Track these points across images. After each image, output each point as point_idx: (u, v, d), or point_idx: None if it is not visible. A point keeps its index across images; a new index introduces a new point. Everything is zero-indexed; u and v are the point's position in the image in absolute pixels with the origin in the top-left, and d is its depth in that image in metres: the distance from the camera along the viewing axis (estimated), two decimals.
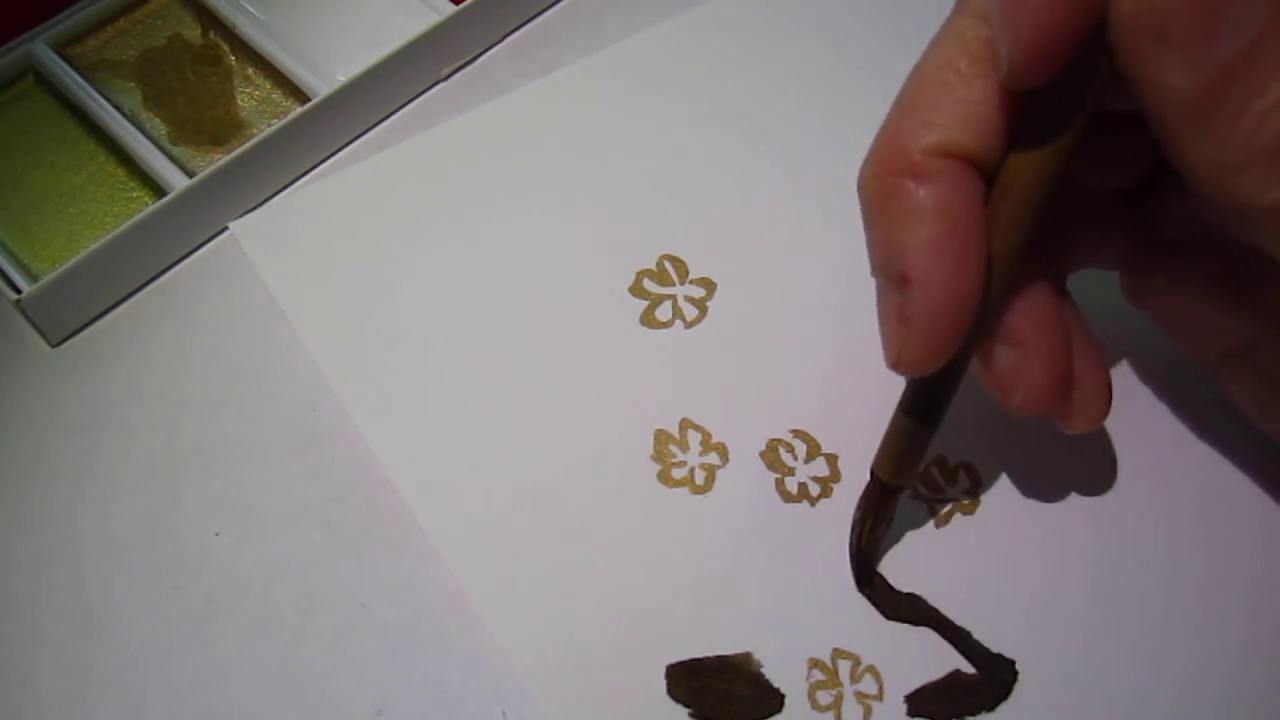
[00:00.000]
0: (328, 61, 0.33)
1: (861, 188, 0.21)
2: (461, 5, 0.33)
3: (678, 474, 0.26)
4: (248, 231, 0.30)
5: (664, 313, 0.28)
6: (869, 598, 0.24)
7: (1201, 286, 0.23)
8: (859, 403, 0.27)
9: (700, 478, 0.26)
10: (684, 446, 0.26)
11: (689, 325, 0.28)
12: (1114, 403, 0.26)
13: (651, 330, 0.28)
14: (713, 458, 0.26)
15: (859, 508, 0.24)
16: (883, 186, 0.20)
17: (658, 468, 0.26)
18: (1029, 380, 0.22)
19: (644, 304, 0.28)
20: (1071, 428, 0.23)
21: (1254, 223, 0.18)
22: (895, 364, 0.21)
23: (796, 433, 0.26)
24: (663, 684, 0.23)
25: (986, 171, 0.20)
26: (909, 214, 0.20)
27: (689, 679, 0.23)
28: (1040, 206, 0.20)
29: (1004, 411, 0.22)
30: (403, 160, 0.31)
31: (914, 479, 0.24)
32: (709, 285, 0.29)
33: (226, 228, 0.30)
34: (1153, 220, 0.24)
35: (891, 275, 0.20)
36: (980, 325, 0.21)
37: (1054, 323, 0.22)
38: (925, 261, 0.19)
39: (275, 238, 0.30)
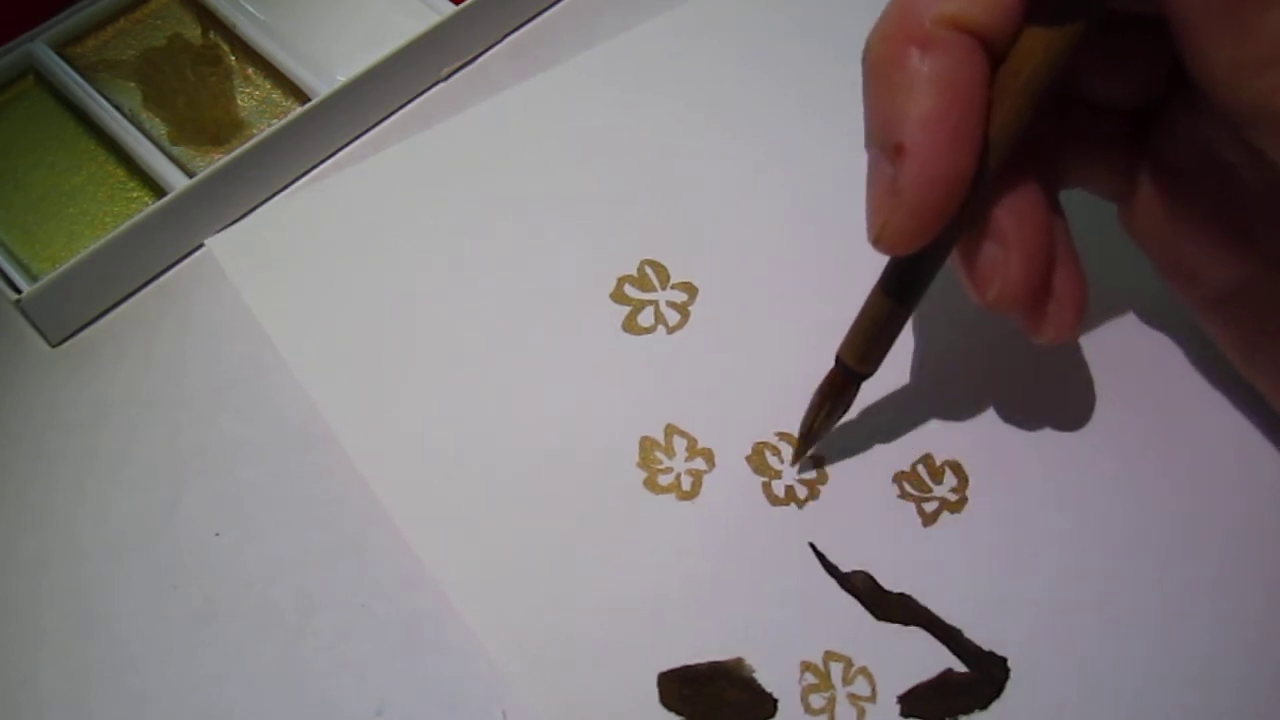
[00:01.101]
0: (328, 61, 0.33)
1: (867, 53, 0.21)
2: (461, 5, 0.33)
3: (664, 480, 0.26)
4: (225, 248, 0.30)
5: (646, 318, 0.28)
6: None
7: (1198, 219, 0.23)
8: None
9: (687, 483, 0.26)
10: (670, 452, 0.26)
11: (671, 331, 0.28)
12: (1104, 399, 0.26)
13: (634, 336, 0.28)
14: (699, 463, 0.26)
15: (819, 392, 0.24)
16: (889, 52, 0.20)
17: (644, 474, 0.26)
18: (1005, 276, 0.22)
19: (626, 310, 0.28)
20: (1039, 336, 0.23)
21: (1267, 129, 0.18)
22: (878, 238, 0.21)
23: (782, 435, 0.26)
24: (655, 692, 0.23)
25: (995, 52, 0.20)
26: (912, 84, 0.19)
27: (681, 686, 0.23)
28: (1042, 95, 0.20)
29: (977, 305, 0.22)
30: (376, 172, 0.31)
31: (876, 368, 0.24)
32: (690, 290, 0.29)
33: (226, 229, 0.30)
34: (1156, 145, 0.24)
35: (886, 146, 0.20)
36: (967, 212, 0.20)
37: (1039, 225, 0.22)
38: (922, 134, 0.19)
39: (251, 254, 0.30)
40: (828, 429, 0.25)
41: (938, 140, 0.19)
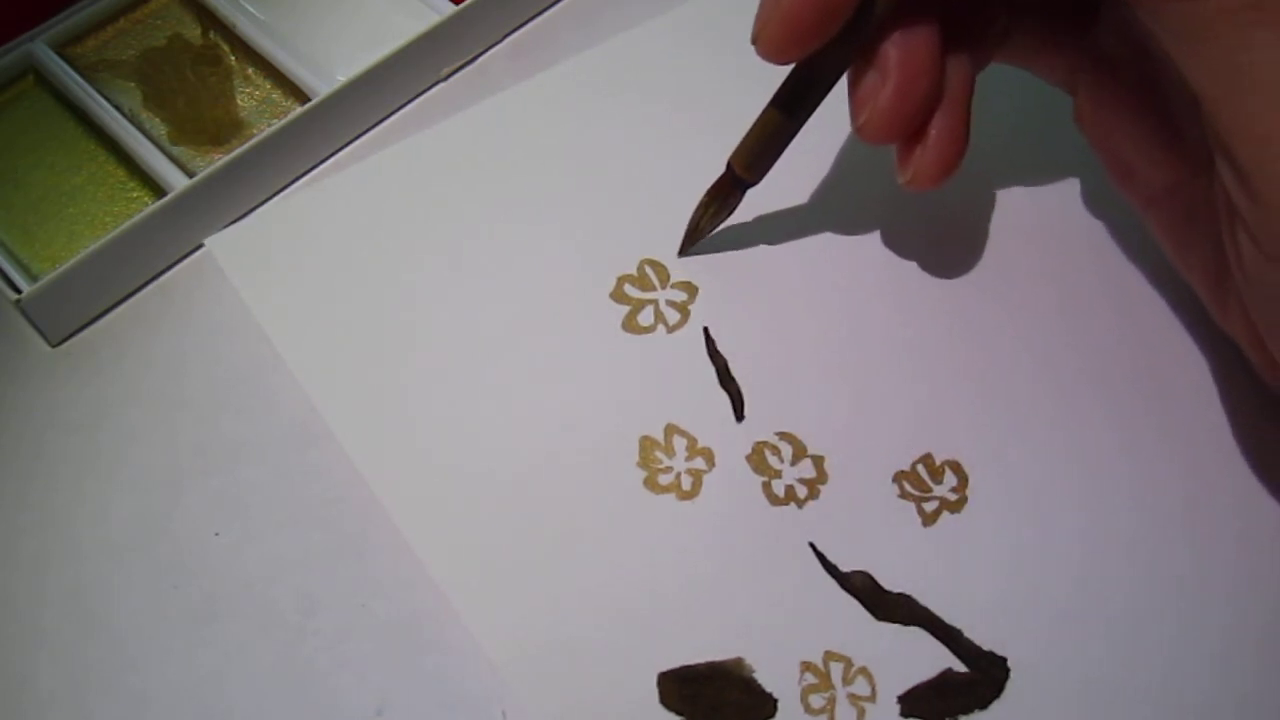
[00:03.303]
0: (328, 61, 0.33)
1: None
2: (461, 5, 0.33)
3: (664, 480, 0.26)
4: (224, 248, 0.30)
5: (646, 318, 0.28)
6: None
7: (1134, 114, 0.24)
8: (844, 403, 0.27)
9: (687, 483, 0.26)
10: (669, 452, 0.26)
11: (671, 330, 0.28)
12: (1105, 398, 0.26)
13: (634, 336, 0.28)
14: (699, 463, 0.26)
15: (707, 193, 0.27)
16: None
17: (644, 474, 0.26)
18: (876, 104, 0.23)
19: (626, 310, 0.28)
20: (903, 175, 0.24)
21: (1159, 15, 0.19)
22: (754, 39, 0.23)
23: (782, 435, 0.26)
24: (655, 692, 0.23)
25: None
26: None
27: (681, 687, 0.23)
28: None
29: (853, 132, 0.24)
30: (376, 172, 0.31)
31: (762, 176, 0.26)
32: (690, 289, 0.29)
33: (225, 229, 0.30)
34: (1099, 34, 0.24)
35: None
36: (855, 40, 0.23)
37: (923, 67, 0.23)
38: None
39: (251, 254, 0.29)
40: (711, 229, 0.28)
41: None
